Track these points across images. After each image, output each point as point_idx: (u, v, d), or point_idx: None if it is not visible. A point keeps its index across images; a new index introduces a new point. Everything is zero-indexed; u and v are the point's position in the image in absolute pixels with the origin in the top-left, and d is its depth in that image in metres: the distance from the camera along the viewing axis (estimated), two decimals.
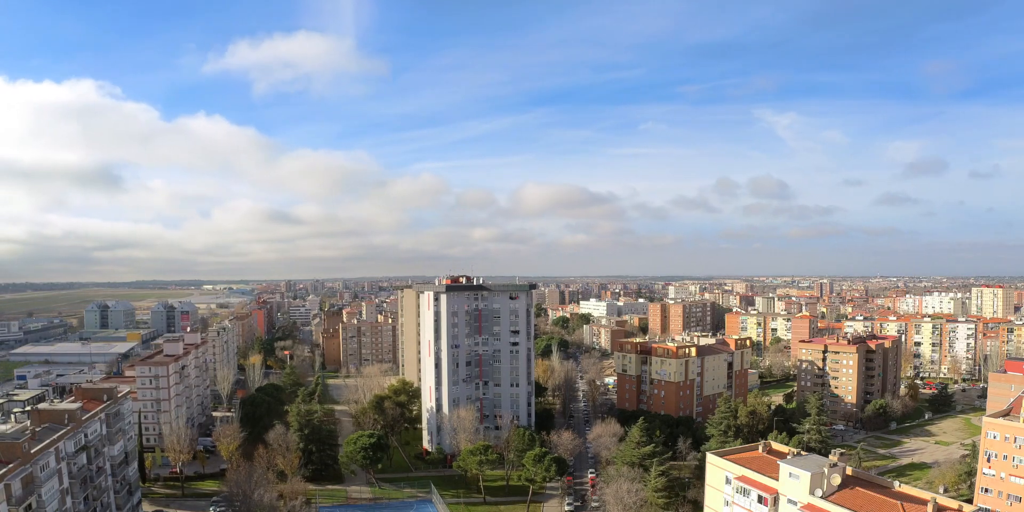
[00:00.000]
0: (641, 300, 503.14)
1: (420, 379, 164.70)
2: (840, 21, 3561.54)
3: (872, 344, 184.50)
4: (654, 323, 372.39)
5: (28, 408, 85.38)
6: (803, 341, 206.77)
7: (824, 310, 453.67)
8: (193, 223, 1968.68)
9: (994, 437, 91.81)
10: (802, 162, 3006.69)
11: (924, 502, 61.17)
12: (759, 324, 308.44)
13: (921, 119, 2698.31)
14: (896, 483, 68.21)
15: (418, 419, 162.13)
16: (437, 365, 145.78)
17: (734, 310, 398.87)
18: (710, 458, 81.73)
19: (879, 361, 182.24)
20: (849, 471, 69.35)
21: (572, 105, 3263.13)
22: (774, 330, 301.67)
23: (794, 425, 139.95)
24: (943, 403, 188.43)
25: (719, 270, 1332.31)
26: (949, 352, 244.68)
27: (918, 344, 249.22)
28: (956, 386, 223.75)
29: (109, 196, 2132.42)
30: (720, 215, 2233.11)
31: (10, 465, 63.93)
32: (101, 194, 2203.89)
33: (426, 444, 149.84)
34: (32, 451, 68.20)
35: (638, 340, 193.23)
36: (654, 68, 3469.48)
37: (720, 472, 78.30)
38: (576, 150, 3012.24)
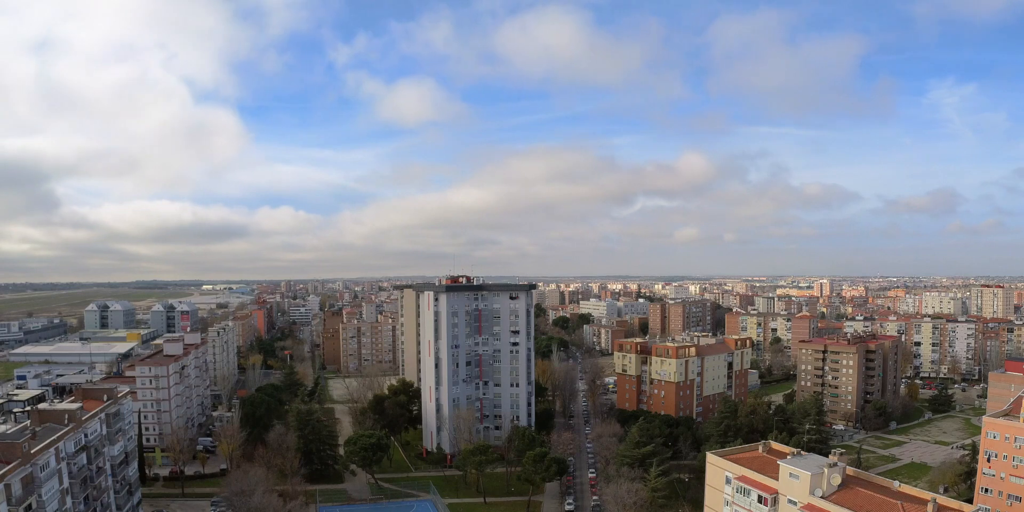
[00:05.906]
0: (641, 300, 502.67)
1: (420, 379, 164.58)
2: None
3: (872, 344, 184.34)
4: (654, 323, 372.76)
5: (28, 408, 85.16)
6: (803, 341, 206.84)
7: (824, 310, 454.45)
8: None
9: (994, 437, 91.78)
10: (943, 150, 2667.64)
11: (924, 502, 61.15)
12: (759, 324, 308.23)
13: None
14: (896, 483, 68.20)
15: (418, 419, 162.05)
16: (437, 365, 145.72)
17: (734, 310, 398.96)
18: (710, 458, 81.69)
19: (879, 361, 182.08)
20: (849, 471, 69.33)
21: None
22: (774, 330, 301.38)
23: (794, 425, 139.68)
24: (943, 403, 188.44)
25: (719, 270, 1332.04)
26: (949, 352, 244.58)
27: (918, 344, 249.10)
28: (956, 386, 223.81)
29: None
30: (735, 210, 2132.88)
31: (10, 465, 63.83)
32: None
33: (426, 444, 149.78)
34: (32, 451, 68.11)
35: (638, 340, 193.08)
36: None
37: (720, 472, 78.26)
38: (692, 131, 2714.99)
